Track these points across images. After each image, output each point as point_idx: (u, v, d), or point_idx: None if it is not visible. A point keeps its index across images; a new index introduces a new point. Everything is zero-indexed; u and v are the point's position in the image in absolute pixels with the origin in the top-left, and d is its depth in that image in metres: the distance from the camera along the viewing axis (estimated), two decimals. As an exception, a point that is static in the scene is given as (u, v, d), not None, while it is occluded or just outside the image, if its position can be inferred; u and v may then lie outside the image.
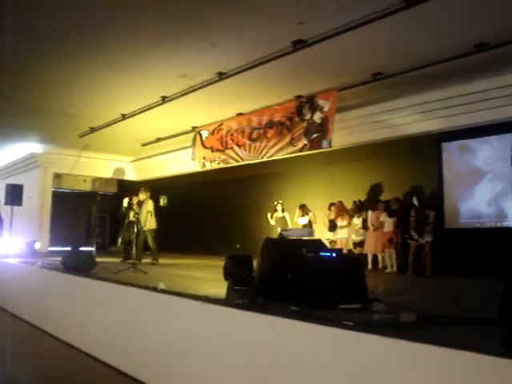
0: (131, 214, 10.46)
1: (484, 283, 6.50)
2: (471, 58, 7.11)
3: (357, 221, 10.31)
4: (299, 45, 6.97)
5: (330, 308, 3.65)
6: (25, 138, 14.04)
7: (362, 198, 10.85)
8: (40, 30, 6.82)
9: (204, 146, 11.95)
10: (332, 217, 10.62)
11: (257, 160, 10.68)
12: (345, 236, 10.45)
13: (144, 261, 9.94)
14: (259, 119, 10.38)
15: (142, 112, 10.58)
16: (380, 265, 9.67)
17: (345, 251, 9.20)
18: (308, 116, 9.25)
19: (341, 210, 10.53)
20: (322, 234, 10.19)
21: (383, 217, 9.59)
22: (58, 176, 16.56)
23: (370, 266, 9.70)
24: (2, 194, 13.31)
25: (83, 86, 9.17)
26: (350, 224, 10.41)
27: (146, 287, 5.28)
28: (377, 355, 2.78)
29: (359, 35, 6.50)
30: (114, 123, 11.59)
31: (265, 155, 10.34)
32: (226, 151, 11.31)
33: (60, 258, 7.66)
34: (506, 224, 8.63)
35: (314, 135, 9.12)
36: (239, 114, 10.91)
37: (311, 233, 6.10)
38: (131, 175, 17.46)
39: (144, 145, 14.17)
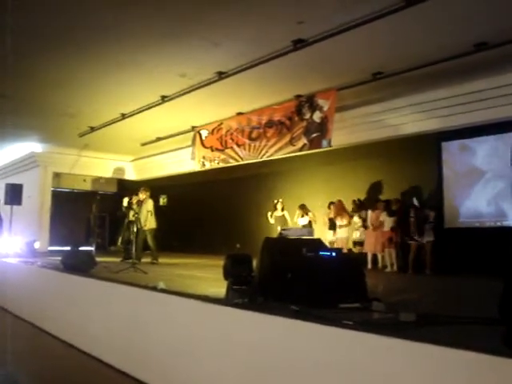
0: (131, 213, 10.45)
1: (484, 282, 6.50)
2: (471, 57, 7.11)
3: (357, 219, 10.31)
4: (299, 44, 6.98)
5: (329, 307, 3.65)
6: (25, 138, 14.04)
7: (362, 197, 10.85)
8: (40, 30, 6.82)
9: (204, 145, 11.95)
10: (331, 215, 10.62)
11: (256, 159, 10.69)
12: (344, 235, 10.44)
13: (144, 260, 9.93)
14: (259, 119, 10.38)
15: (141, 111, 10.59)
16: (380, 264, 9.67)
17: (344, 251, 9.20)
18: (308, 115, 9.25)
19: (340, 209, 10.53)
20: (321, 234, 10.18)
21: (383, 216, 9.59)
22: (57, 175, 16.56)
23: (369, 266, 9.71)
24: (1, 194, 13.30)
25: (83, 85, 9.18)
26: (349, 223, 10.41)
27: (145, 287, 5.28)
28: (377, 354, 2.78)
29: (359, 35, 6.50)
30: (114, 122, 11.60)
31: (264, 155, 10.34)
32: (226, 151, 11.32)
33: (60, 258, 7.65)
34: (505, 223, 8.64)
35: (314, 135, 9.13)
36: (239, 114, 10.91)
37: (311, 232, 6.10)
38: (131, 175, 17.47)
39: (144, 144, 14.18)
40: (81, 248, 9.18)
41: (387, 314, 3.65)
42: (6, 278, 8.83)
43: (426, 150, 9.73)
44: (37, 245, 13.15)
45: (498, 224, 8.75)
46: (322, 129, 8.97)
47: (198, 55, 7.61)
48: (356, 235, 10.32)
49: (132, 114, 10.89)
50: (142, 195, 10.61)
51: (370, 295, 4.26)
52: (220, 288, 4.67)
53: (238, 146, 10.94)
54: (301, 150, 9.54)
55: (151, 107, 10.25)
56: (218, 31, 6.77)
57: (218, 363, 3.85)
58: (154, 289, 5.06)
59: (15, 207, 12.39)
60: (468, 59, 7.20)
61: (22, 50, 7.37)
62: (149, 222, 10.41)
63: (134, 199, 10.56)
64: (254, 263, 5.01)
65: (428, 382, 2.54)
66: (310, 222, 10.67)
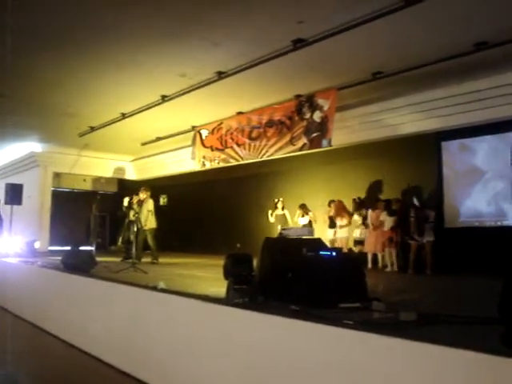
0: (131, 213, 10.45)
1: (484, 282, 6.50)
2: (471, 57, 7.11)
3: (357, 218, 10.31)
4: (299, 44, 6.98)
5: (329, 307, 3.65)
6: (24, 137, 14.04)
7: (362, 196, 10.85)
8: (40, 30, 6.82)
9: (204, 145, 11.95)
10: (332, 213, 10.62)
11: (256, 159, 10.69)
12: (344, 235, 10.45)
13: (144, 260, 9.94)
14: (259, 118, 10.38)
15: (141, 111, 10.59)
16: (380, 264, 9.67)
17: (344, 250, 9.21)
18: (308, 115, 9.25)
19: (340, 209, 10.54)
20: (322, 233, 10.19)
21: (383, 216, 9.59)
22: (57, 175, 16.56)
23: (369, 265, 9.71)
24: (1, 194, 13.31)
25: (83, 85, 9.18)
26: (349, 223, 10.41)
27: (145, 286, 5.28)
28: (377, 354, 2.78)
29: (359, 34, 6.50)
30: (114, 122, 11.60)
31: (264, 154, 10.34)
32: (226, 150, 11.32)
33: (60, 258, 7.66)
34: (505, 223, 8.64)
35: (314, 134, 9.13)
36: (239, 113, 10.91)
37: (311, 232, 6.10)
38: (131, 174, 17.47)
39: (144, 144, 14.18)
40: (81, 248, 9.18)
41: (387, 313, 3.65)
42: (6, 277, 8.84)
43: (426, 149, 9.72)
44: (37, 244, 13.16)
45: (498, 224, 8.75)
46: (322, 128, 8.97)
47: (198, 55, 7.61)
48: (356, 234, 10.32)
49: (132, 114, 10.89)
50: (142, 195, 10.62)
51: (370, 295, 4.27)
52: (220, 288, 4.68)
53: (238, 145, 10.95)
54: (301, 149, 9.54)
55: (151, 107, 10.25)
56: (218, 31, 6.77)
57: (218, 363, 3.86)
58: (155, 288, 5.07)
59: (15, 207, 12.40)
60: (468, 59, 7.20)
61: (22, 49, 7.37)
62: (149, 221, 10.42)
63: (135, 199, 10.57)
64: (255, 263, 5.01)
65: (428, 381, 2.54)
66: (310, 221, 10.68)
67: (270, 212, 11.34)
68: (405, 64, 7.65)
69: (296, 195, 11.75)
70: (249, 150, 10.69)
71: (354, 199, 10.71)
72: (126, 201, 10.69)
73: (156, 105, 10.05)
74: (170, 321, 4.57)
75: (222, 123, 11.42)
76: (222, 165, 11.69)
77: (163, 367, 4.48)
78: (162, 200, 11.05)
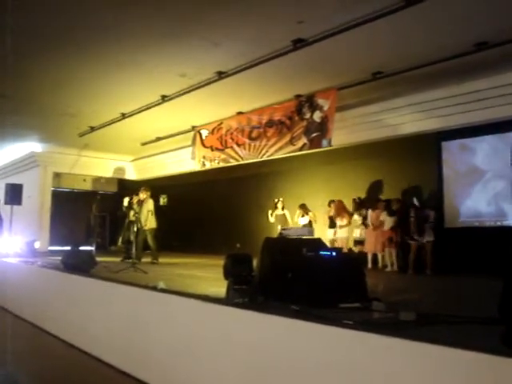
0: (131, 213, 10.45)
1: (484, 282, 6.50)
2: (471, 57, 7.11)
3: (357, 217, 10.32)
4: (299, 44, 6.98)
5: (329, 307, 3.65)
6: (25, 137, 14.04)
7: (362, 196, 10.85)
8: (40, 30, 6.82)
9: (204, 145, 11.96)
10: (332, 213, 10.62)
11: (256, 159, 10.69)
12: (344, 235, 10.45)
13: (144, 260, 9.94)
14: (259, 118, 10.38)
15: (141, 111, 10.59)
16: (380, 264, 9.67)
17: (344, 250, 9.20)
18: (308, 115, 9.25)
19: (340, 209, 10.54)
20: (322, 233, 10.19)
21: (383, 216, 9.59)
22: (57, 175, 16.56)
23: (369, 265, 9.71)
24: (1, 194, 13.30)
25: (83, 85, 9.18)
26: (349, 223, 10.42)
27: (145, 286, 5.28)
28: (377, 354, 2.78)
29: (359, 34, 6.50)
30: (114, 122, 11.61)
31: (264, 154, 10.34)
32: (226, 150, 11.32)
33: (60, 258, 7.66)
34: (505, 223, 8.64)
35: (314, 134, 9.13)
36: (239, 113, 10.91)
37: (311, 232, 6.10)
38: (131, 174, 17.47)
39: (144, 144, 14.19)
40: (81, 248, 9.18)
41: (387, 313, 3.65)
42: (6, 277, 8.84)
43: (426, 149, 9.72)
44: (37, 245, 13.16)
45: (498, 224, 8.75)
46: (322, 128, 8.97)
47: (198, 55, 7.62)
48: (356, 234, 10.32)
49: (132, 114, 10.89)
50: (142, 195, 10.63)
51: (370, 295, 4.27)
52: (220, 288, 4.68)
53: (238, 145, 10.95)
54: (301, 149, 9.55)
55: (151, 107, 10.25)
56: (218, 31, 6.77)
57: (218, 363, 3.86)
58: (155, 288, 5.07)
59: (15, 207, 12.39)
60: (468, 59, 7.20)
61: (22, 49, 7.37)
62: (149, 221, 10.42)
63: (135, 199, 10.57)
64: (255, 263, 5.01)
65: (428, 381, 2.54)
66: (310, 221, 10.69)
67: (269, 212, 11.34)
68: (405, 64, 7.65)
69: (296, 195, 11.75)
70: (249, 150, 10.69)
71: (354, 199, 10.71)
72: (126, 201, 10.70)
73: (156, 105, 10.05)
74: (170, 321, 4.57)
75: (222, 123, 11.42)
76: (222, 165, 11.69)
77: (163, 367, 4.48)
78: (162, 200, 11.07)
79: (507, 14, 6.03)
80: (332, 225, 10.62)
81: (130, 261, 8.55)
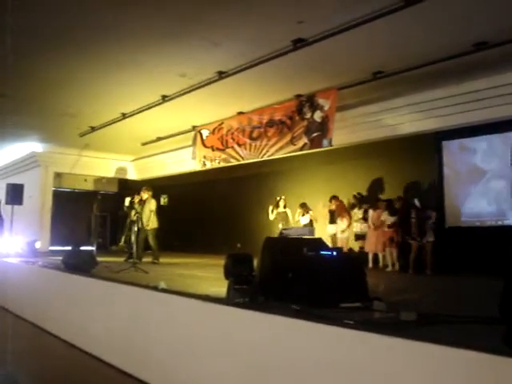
0: (132, 212, 10.45)
1: (484, 281, 6.50)
2: (471, 57, 7.11)
3: (357, 211, 10.32)
4: (299, 44, 6.97)
5: (330, 307, 3.65)
6: (25, 138, 14.05)
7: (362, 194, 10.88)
8: (40, 30, 6.82)
9: (204, 145, 11.96)
10: (333, 207, 10.62)
11: (257, 159, 10.69)
12: (345, 235, 10.46)
13: (145, 260, 9.95)
14: (260, 118, 10.38)
15: (142, 111, 10.59)
16: (381, 263, 9.68)
17: (345, 250, 9.21)
18: (308, 115, 9.25)
19: (341, 209, 10.54)
20: (322, 231, 10.21)
21: (384, 216, 9.59)
22: (58, 175, 16.56)
23: (370, 265, 9.71)
24: (2, 194, 13.31)
25: (83, 85, 9.18)
26: (349, 225, 10.42)
27: (146, 286, 5.28)
28: (378, 354, 2.78)
29: (359, 34, 6.50)
30: (114, 122, 11.60)
31: (265, 154, 10.34)
32: (227, 150, 11.32)
33: (61, 258, 7.66)
34: (506, 222, 8.64)
35: (315, 134, 9.13)
36: (240, 113, 10.91)
37: (312, 232, 6.11)
38: (132, 174, 17.48)
39: (144, 144, 14.19)
40: (82, 248, 9.19)
41: (388, 313, 3.65)
42: (6, 277, 8.84)
43: (426, 149, 9.72)
44: (38, 244, 13.17)
45: (499, 223, 8.75)
46: (323, 128, 8.97)
47: (198, 55, 7.61)
48: (357, 228, 10.31)
49: (132, 114, 10.89)
50: (144, 195, 10.63)
51: (370, 294, 4.27)
52: (221, 287, 4.68)
53: (239, 145, 10.95)
54: (301, 149, 9.54)
55: (152, 107, 10.25)
56: (218, 31, 6.77)
57: (218, 363, 3.86)
58: (155, 288, 5.07)
59: (16, 207, 12.40)
60: (468, 59, 7.19)
61: (22, 49, 7.37)
62: (151, 221, 10.43)
63: (136, 198, 10.57)
64: (255, 263, 5.01)
65: (429, 381, 2.54)
66: (311, 220, 10.69)
67: (270, 209, 11.30)
68: (405, 64, 7.65)
69: (296, 195, 11.75)
70: (249, 150, 10.69)
71: (355, 195, 10.73)
72: (127, 200, 10.70)
73: (156, 105, 10.05)
74: (170, 321, 4.58)
75: (222, 123, 11.42)
76: (222, 165, 11.69)
77: (164, 367, 4.48)
78: (163, 200, 11.09)
79: (507, 14, 6.02)
80: (332, 220, 10.63)
81: (131, 261, 8.55)
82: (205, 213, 15.06)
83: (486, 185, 8.92)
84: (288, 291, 4.06)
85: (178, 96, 9.48)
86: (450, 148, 9.60)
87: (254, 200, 13.38)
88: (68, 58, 7.80)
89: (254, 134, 10.54)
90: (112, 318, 5.50)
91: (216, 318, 4.04)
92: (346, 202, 10.84)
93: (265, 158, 10.46)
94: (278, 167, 12.31)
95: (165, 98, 9.70)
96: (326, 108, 8.92)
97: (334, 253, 4.62)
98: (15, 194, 12.72)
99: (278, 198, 11.34)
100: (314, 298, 3.78)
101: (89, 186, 17.52)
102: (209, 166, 12.01)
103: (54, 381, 4.88)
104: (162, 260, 10.34)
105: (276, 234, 8.91)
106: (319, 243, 5.23)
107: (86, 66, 8.16)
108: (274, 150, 10.11)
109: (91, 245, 11.72)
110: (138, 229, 9.90)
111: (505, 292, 2.78)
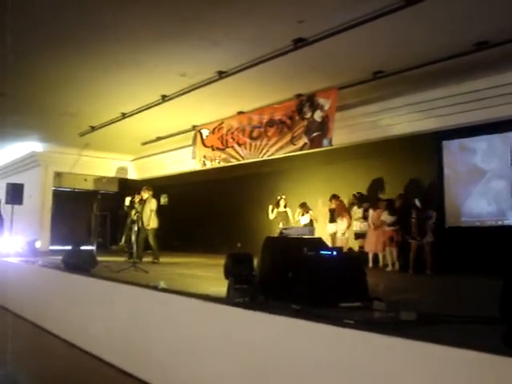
0: (133, 212, 10.45)
1: (484, 281, 6.49)
2: (472, 56, 7.10)
3: (357, 209, 10.32)
4: (299, 43, 6.97)
5: (330, 306, 3.65)
6: (25, 137, 14.05)
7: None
8: (40, 29, 6.82)
9: (204, 144, 11.95)
10: (333, 206, 10.62)
11: (257, 159, 10.69)
12: (345, 236, 10.45)
13: (145, 259, 9.95)
14: (260, 118, 10.38)
15: (142, 111, 10.58)
16: (381, 263, 9.67)
17: (345, 249, 9.20)
18: (308, 115, 9.25)
19: (341, 208, 10.54)
20: (322, 230, 10.21)
21: (384, 215, 9.58)
22: (58, 175, 16.57)
23: (370, 265, 9.70)
24: (2, 193, 13.31)
25: (83, 84, 9.18)
26: (349, 226, 10.42)
27: (146, 286, 5.29)
28: (378, 353, 2.78)
29: (359, 34, 6.49)
30: (114, 122, 11.60)
31: (265, 154, 10.34)
32: (227, 150, 11.32)
33: (61, 257, 7.66)
34: (506, 222, 8.63)
35: (315, 134, 9.12)
36: (240, 113, 10.91)
37: (312, 231, 6.11)
38: (132, 174, 17.48)
39: (144, 144, 14.19)
40: (82, 247, 9.19)
41: (388, 313, 3.65)
42: (7, 277, 8.85)
43: (426, 149, 9.71)
44: (38, 244, 13.17)
45: (499, 223, 8.74)
46: (323, 128, 8.97)
47: (198, 54, 7.61)
48: (356, 227, 10.30)
49: (132, 114, 10.89)
50: (144, 194, 10.62)
51: (371, 294, 4.27)
52: (221, 287, 4.68)
53: (239, 145, 10.95)
54: (301, 149, 9.54)
55: (151, 107, 10.24)
56: (218, 30, 6.77)
57: (218, 362, 3.86)
58: (155, 288, 5.07)
59: (16, 207, 12.40)
60: (468, 58, 7.18)
61: (22, 49, 7.37)
62: (152, 221, 10.43)
63: (137, 198, 10.57)
64: (255, 262, 5.01)
65: (429, 380, 2.54)
66: (311, 220, 10.69)
67: (270, 208, 11.29)
68: (405, 63, 7.64)
69: (297, 194, 11.74)
70: (250, 150, 10.69)
71: (354, 194, 10.73)
72: (127, 200, 10.70)
73: (156, 104, 10.05)
74: (170, 320, 4.58)
75: (222, 123, 11.42)
76: (222, 164, 11.69)
77: (164, 367, 4.48)
78: (163, 199, 11.07)
79: (508, 14, 6.02)
80: (332, 219, 10.63)
81: (131, 260, 8.55)
82: (205, 212, 15.05)
83: (486, 185, 8.91)
84: (288, 291, 4.06)
85: (178, 96, 9.47)
86: (450, 148, 9.60)
87: (254, 200, 13.37)
88: (68, 57, 7.80)
89: (254, 134, 10.53)
90: (112, 317, 5.50)
91: (216, 318, 4.04)
92: (346, 201, 10.83)
93: (265, 157, 10.46)
94: (278, 167, 12.31)
95: (165, 98, 9.69)
96: (326, 108, 8.92)
97: (334, 252, 4.62)
98: (15, 193, 12.71)
99: (279, 198, 11.33)
100: (314, 297, 3.78)
101: (89, 186, 17.51)
102: (209, 165, 12.01)
103: (54, 380, 4.88)
104: (162, 259, 10.33)
105: (276, 234, 8.91)
106: (319, 243, 5.23)
107: (85, 66, 8.16)
108: (274, 150, 10.11)
109: (91, 244, 11.72)
110: (138, 228, 9.91)
111: (505, 292, 2.78)
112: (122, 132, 12.65)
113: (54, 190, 16.19)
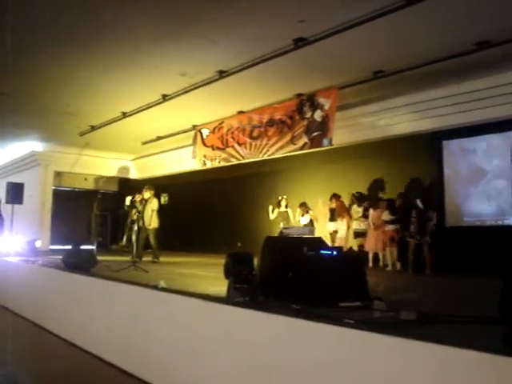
0: (133, 212, 10.44)
1: (484, 281, 6.49)
2: (472, 56, 7.10)
3: (356, 208, 10.32)
4: (300, 43, 6.97)
5: (330, 306, 3.65)
6: (25, 137, 14.05)
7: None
8: (40, 29, 6.82)
9: (205, 144, 11.95)
10: (333, 206, 10.62)
11: (257, 158, 10.69)
12: (345, 235, 10.44)
13: (145, 259, 9.95)
14: (260, 117, 10.38)
15: (142, 110, 10.59)
16: (381, 263, 9.67)
17: (345, 248, 9.20)
18: (309, 114, 9.25)
19: (341, 208, 10.54)
20: (322, 230, 10.20)
21: (385, 215, 9.57)
22: (58, 174, 16.56)
23: (370, 264, 9.70)
24: (2, 193, 13.31)
25: (83, 84, 9.18)
26: (349, 227, 10.41)
27: (146, 285, 5.28)
28: (378, 353, 2.78)
29: (360, 33, 6.49)
30: (115, 121, 11.60)
31: (265, 153, 10.34)
32: (227, 149, 11.32)
33: (61, 257, 7.66)
34: (506, 222, 8.63)
35: (315, 133, 9.12)
36: (240, 113, 10.91)
37: (312, 231, 6.11)
38: (132, 173, 17.49)
39: (145, 143, 14.19)
40: (82, 247, 9.19)
41: (388, 312, 3.65)
42: (7, 276, 8.85)
43: (426, 149, 9.70)
44: (38, 243, 13.15)
45: (499, 223, 8.74)
46: (323, 127, 8.96)
47: (199, 54, 7.61)
48: (356, 225, 10.29)
49: (133, 113, 10.89)
50: (146, 194, 10.61)
51: (371, 294, 4.26)
52: (221, 287, 4.68)
53: (239, 144, 10.95)
54: (302, 148, 9.54)
55: (152, 106, 10.24)
56: (219, 30, 6.76)
57: (218, 362, 3.86)
58: (155, 287, 5.07)
59: (16, 206, 12.40)
60: (469, 58, 7.18)
61: (22, 48, 7.37)
62: (153, 221, 10.43)
63: (138, 197, 10.56)
64: (255, 262, 5.01)
65: (429, 380, 2.54)
66: (311, 220, 10.68)
67: (270, 208, 11.27)
68: (406, 63, 7.64)
69: (297, 194, 11.74)
70: (250, 149, 10.69)
71: (354, 194, 10.73)
72: (128, 200, 10.69)
73: (156, 104, 10.05)
74: (170, 320, 4.58)
75: (222, 122, 11.41)
76: (222, 164, 11.69)
77: (164, 366, 4.48)
78: (163, 199, 11.09)
79: (508, 13, 6.01)
80: (332, 218, 10.63)
81: (131, 259, 8.54)
82: (205, 212, 15.05)
83: (486, 184, 8.90)
84: (288, 290, 4.05)
85: (178, 95, 9.47)
86: (451, 148, 9.59)
87: (254, 199, 13.36)
88: (68, 56, 7.80)
89: (255, 134, 10.53)
90: (112, 317, 5.50)
91: (216, 318, 4.04)
92: (346, 201, 10.82)
93: (265, 157, 10.46)
94: (278, 166, 12.30)
95: (165, 97, 9.69)
96: (327, 107, 8.91)
97: (334, 252, 4.63)
98: (15, 193, 12.72)
99: (280, 198, 11.32)
100: (314, 297, 3.78)
101: (89, 185, 17.50)
102: (209, 165, 12.01)
103: (54, 380, 4.87)
104: (162, 259, 10.33)
105: (276, 234, 8.91)
106: (319, 242, 5.22)
107: (86, 65, 8.16)
108: (274, 150, 10.11)
109: (91, 244, 11.73)
110: (139, 228, 9.90)
111: (505, 292, 2.77)
112: (122, 131, 12.65)
113: (54, 190, 16.19)
